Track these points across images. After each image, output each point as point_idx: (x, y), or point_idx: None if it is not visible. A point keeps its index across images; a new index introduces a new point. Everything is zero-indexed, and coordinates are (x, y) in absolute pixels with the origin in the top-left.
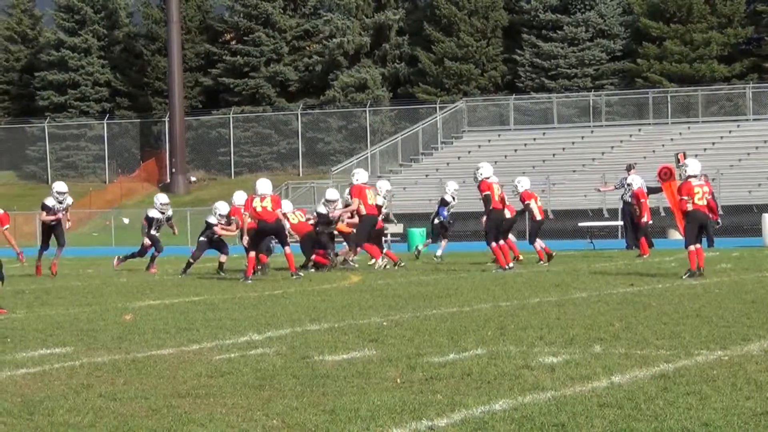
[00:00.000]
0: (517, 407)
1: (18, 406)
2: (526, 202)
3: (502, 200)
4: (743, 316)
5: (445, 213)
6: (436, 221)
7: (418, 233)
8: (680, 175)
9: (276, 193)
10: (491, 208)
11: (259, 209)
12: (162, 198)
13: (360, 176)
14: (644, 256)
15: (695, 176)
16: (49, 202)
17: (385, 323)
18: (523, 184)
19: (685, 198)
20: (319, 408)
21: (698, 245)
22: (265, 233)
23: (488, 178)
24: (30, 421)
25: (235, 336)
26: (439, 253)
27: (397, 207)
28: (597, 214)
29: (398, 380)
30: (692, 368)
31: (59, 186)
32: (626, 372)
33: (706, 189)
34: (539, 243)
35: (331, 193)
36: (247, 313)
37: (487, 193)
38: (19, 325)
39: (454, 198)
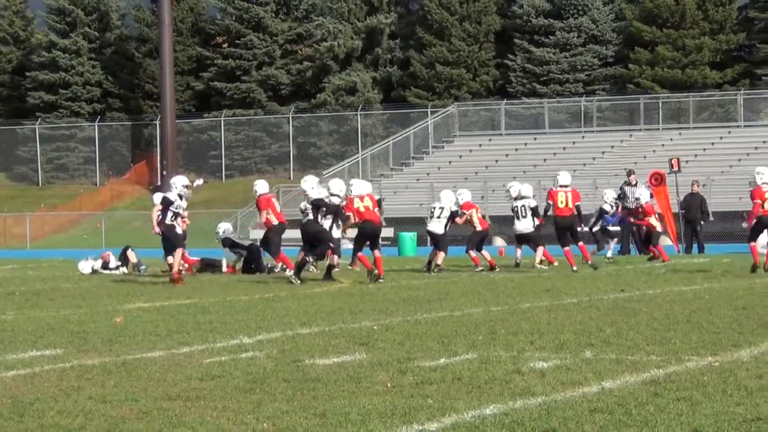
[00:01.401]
0: (507, 412)
1: (8, 407)
2: (466, 212)
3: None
4: (733, 323)
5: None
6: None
7: (409, 237)
8: (750, 182)
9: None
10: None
11: (362, 209)
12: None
13: (260, 187)
14: (665, 262)
15: None
16: (172, 197)
17: (375, 327)
18: (464, 196)
19: (758, 201)
20: (310, 412)
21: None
22: (368, 235)
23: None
24: (20, 423)
25: (225, 339)
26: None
27: (387, 211)
28: (586, 219)
29: (389, 384)
30: (683, 374)
31: (183, 179)
32: (617, 377)
33: None
34: (485, 252)
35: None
36: (238, 317)
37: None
38: (9, 327)
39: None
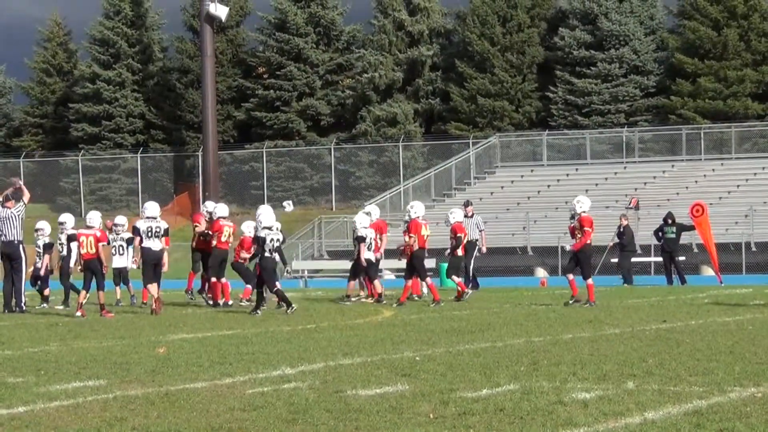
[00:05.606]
0: None
1: None
2: (458, 235)
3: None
4: None
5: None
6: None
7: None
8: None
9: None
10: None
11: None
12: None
13: (221, 210)
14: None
15: None
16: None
17: (417, 358)
18: (455, 216)
19: None
20: None
21: None
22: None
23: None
24: None
25: (268, 370)
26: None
27: (430, 242)
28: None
29: (431, 415)
30: (725, 405)
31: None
32: (659, 408)
33: None
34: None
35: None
36: (280, 347)
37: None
38: (53, 358)
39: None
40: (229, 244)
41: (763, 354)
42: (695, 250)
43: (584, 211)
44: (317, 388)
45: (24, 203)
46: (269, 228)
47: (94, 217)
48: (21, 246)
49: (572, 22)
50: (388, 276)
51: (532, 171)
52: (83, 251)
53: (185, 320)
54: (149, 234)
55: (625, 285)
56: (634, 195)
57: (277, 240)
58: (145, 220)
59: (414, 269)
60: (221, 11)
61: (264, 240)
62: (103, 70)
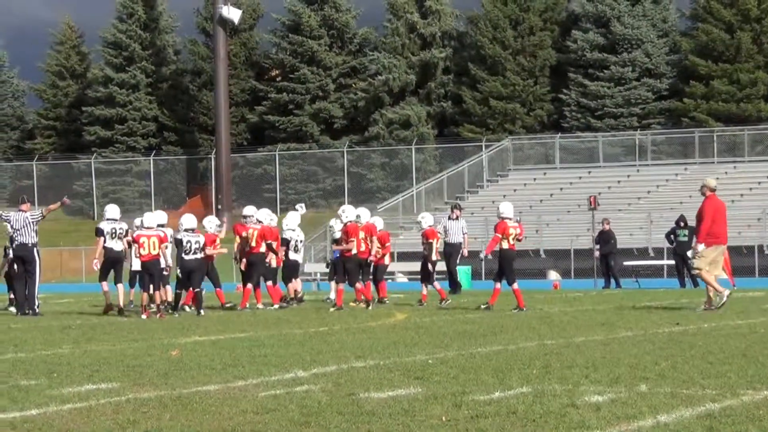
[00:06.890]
0: None
1: None
2: (429, 240)
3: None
4: None
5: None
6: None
7: (463, 271)
8: None
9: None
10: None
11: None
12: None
13: (264, 216)
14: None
15: None
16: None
17: (430, 361)
18: (426, 221)
19: None
20: None
21: None
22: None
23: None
24: None
25: (280, 372)
26: (332, 295)
27: (441, 245)
28: (642, 253)
29: (444, 418)
30: (738, 408)
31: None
32: (672, 411)
33: None
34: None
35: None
36: (293, 350)
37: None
38: (66, 361)
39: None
40: (261, 246)
41: None
42: None
43: (507, 218)
44: (330, 391)
45: (43, 214)
46: (191, 230)
47: (152, 218)
48: (35, 249)
49: (585, 25)
50: (401, 279)
51: (544, 174)
52: (144, 252)
53: (198, 323)
54: (113, 235)
55: (618, 288)
56: (591, 194)
57: (196, 242)
58: (107, 221)
59: (348, 272)
60: (234, 14)
61: (181, 241)
62: (116, 73)
